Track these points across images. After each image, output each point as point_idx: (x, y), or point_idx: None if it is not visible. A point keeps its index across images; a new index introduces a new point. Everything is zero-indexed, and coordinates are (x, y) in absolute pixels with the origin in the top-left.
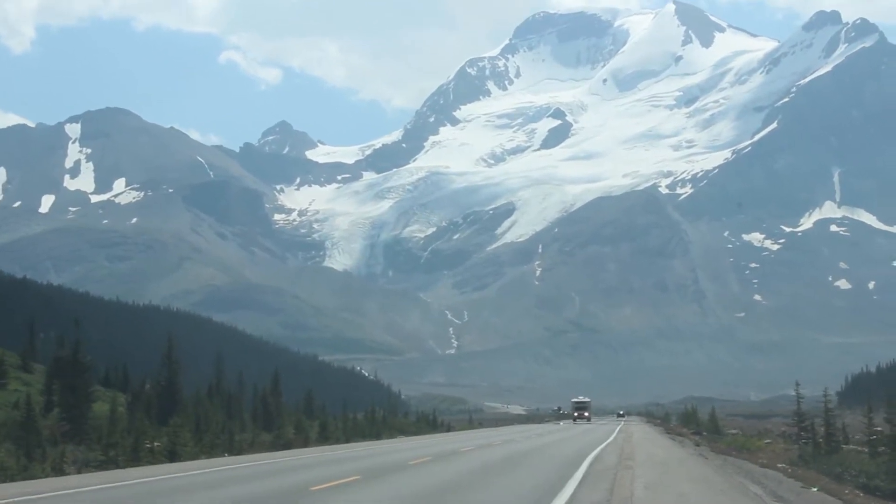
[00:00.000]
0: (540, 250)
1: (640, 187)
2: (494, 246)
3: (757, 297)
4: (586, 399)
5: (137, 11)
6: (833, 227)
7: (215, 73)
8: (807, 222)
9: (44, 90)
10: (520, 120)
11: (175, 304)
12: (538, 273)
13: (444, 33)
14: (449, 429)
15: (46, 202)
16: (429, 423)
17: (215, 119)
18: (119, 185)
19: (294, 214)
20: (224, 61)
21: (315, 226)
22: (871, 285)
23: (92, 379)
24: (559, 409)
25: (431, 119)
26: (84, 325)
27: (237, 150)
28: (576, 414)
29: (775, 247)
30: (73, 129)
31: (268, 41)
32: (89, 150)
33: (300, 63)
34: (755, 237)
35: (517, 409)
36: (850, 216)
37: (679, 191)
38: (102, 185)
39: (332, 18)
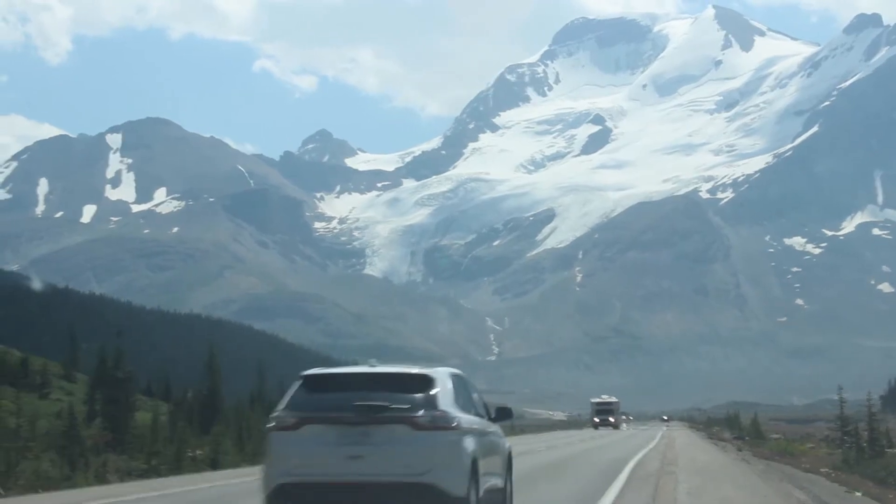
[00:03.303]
0: (580, 256)
1: (681, 192)
2: (535, 252)
3: (799, 301)
4: (612, 399)
5: (170, 21)
6: (875, 231)
7: (250, 81)
8: (849, 226)
9: (83, 101)
10: (559, 126)
11: (216, 313)
12: (579, 279)
13: (476, 41)
14: None
15: (88, 212)
16: None
17: (252, 127)
18: (160, 194)
19: (334, 222)
20: (258, 70)
21: (355, 233)
22: None
23: (134, 388)
24: None
25: (471, 126)
26: (126, 335)
27: (277, 159)
28: (597, 420)
29: (817, 251)
30: (114, 140)
31: (300, 49)
32: (130, 160)
33: (333, 71)
34: (797, 241)
35: (559, 416)
36: (893, 219)
37: (720, 195)
38: (143, 194)
39: (364, 27)
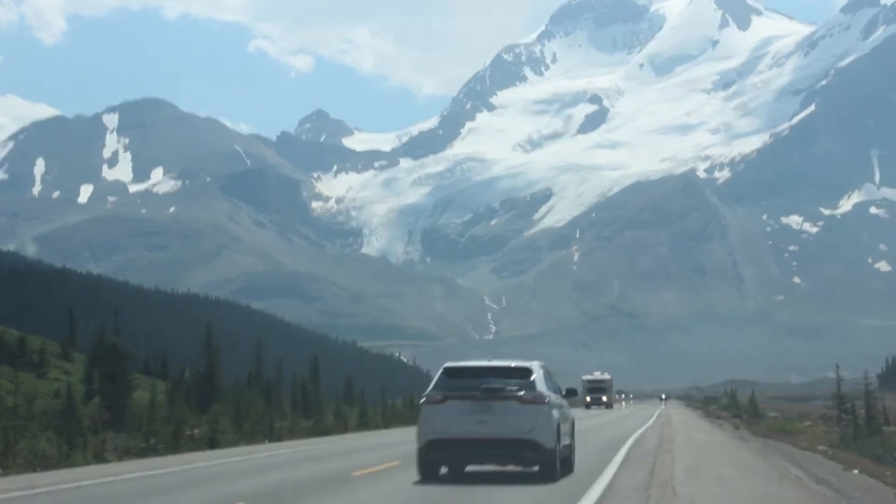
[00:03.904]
0: (577, 235)
1: (678, 172)
2: (532, 231)
3: (796, 279)
4: (605, 376)
5: (166, 0)
6: (872, 210)
7: (246, 61)
8: (846, 205)
9: (79, 81)
10: (556, 105)
11: (214, 293)
12: (576, 258)
13: (473, 20)
14: None
15: (85, 192)
16: None
17: (248, 107)
18: (157, 174)
19: (331, 202)
20: (254, 50)
21: (352, 213)
22: None
23: (132, 367)
24: None
25: (468, 105)
26: (123, 314)
27: (273, 139)
28: (588, 398)
29: (814, 230)
30: (111, 120)
31: (296, 29)
32: (127, 140)
33: (329, 51)
34: (794, 220)
35: None
36: (890, 198)
37: (717, 175)
38: (140, 174)
39: (359, 6)
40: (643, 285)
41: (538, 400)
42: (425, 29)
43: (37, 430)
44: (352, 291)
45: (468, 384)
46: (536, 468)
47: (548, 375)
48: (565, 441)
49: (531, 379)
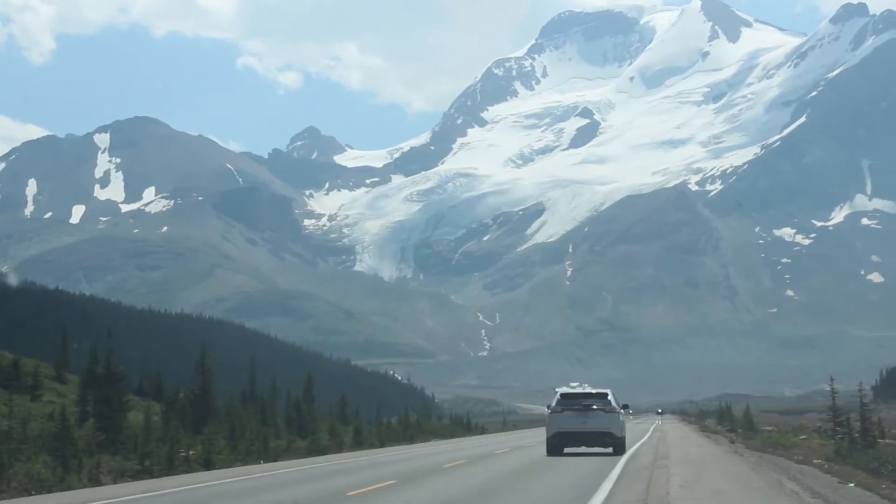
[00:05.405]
0: (570, 250)
1: (670, 185)
2: (525, 247)
3: (789, 292)
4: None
5: (154, 18)
6: (864, 220)
7: (234, 79)
8: (838, 216)
9: (69, 101)
10: (547, 120)
11: (207, 312)
12: (569, 273)
13: (462, 35)
14: (483, 431)
15: (77, 213)
16: (462, 425)
17: (238, 125)
18: (149, 193)
19: (324, 219)
20: (241, 67)
21: (345, 230)
22: None
23: (126, 388)
24: None
25: (459, 121)
26: (117, 335)
27: (265, 157)
28: None
29: (806, 241)
30: (102, 139)
31: (283, 46)
32: (118, 160)
33: (317, 67)
34: (786, 232)
35: None
36: (882, 209)
37: (709, 187)
38: (132, 194)
39: (347, 22)
40: (636, 299)
41: (612, 410)
42: (414, 44)
43: (31, 454)
44: (345, 309)
45: (574, 402)
46: (611, 449)
47: (615, 397)
48: (625, 434)
49: (608, 398)
